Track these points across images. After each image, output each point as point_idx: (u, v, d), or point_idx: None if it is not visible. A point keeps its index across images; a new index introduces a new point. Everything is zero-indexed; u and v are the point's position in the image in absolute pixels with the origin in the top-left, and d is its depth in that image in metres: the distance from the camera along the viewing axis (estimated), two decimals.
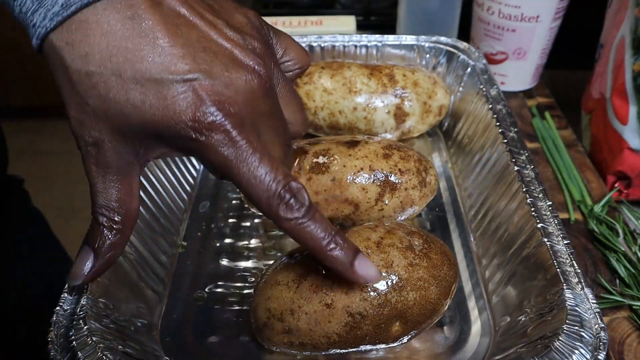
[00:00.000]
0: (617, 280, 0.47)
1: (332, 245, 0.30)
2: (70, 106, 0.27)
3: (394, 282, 0.36)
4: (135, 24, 0.26)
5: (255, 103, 0.29)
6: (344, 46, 0.63)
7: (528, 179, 0.44)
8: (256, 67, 0.29)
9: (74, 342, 0.32)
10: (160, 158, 0.31)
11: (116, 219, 0.30)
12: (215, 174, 0.36)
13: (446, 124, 0.63)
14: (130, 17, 0.26)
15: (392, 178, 0.45)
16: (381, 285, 0.35)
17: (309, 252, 0.32)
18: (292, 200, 0.29)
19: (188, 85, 0.26)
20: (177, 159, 0.54)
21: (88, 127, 0.28)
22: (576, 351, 0.32)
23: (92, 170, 0.29)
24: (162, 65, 0.26)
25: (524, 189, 0.43)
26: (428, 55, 0.63)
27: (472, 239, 0.50)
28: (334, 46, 0.63)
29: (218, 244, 0.50)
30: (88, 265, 0.31)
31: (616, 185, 0.58)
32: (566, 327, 0.33)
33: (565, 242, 0.39)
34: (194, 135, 0.27)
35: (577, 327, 0.33)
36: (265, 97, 0.29)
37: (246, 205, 0.50)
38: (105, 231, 0.30)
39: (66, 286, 0.36)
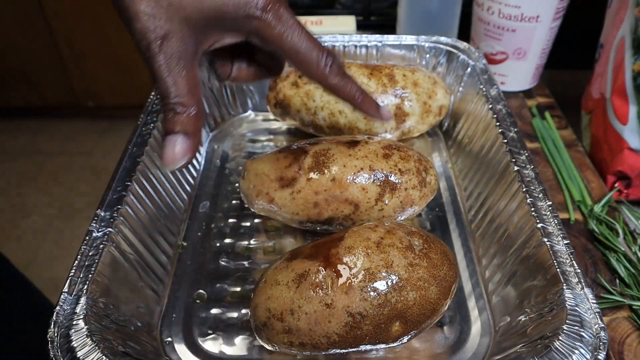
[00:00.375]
0: (617, 280, 0.47)
1: (363, 96, 0.40)
2: (143, 2, 0.31)
3: (394, 282, 0.36)
4: None
5: None
6: (344, 46, 0.63)
7: (528, 179, 0.44)
8: None
9: (74, 342, 0.32)
10: (213, 48, 0.36)
11: (191, 104, 0.34)
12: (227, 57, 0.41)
13: (446, 124, 0.63)
14: None
15: (392, 178, 0.45)
16: (381, 285, 0.36)
17: (348, 101, 0.40)
18: (334, 64, 0.37)
19: None
20: None
21: (161, 19, 0.31)
22: (576, 351, 0.32)
23: (161, 65, 0.32)
24: None
25: (524, 189, 0.43)
26: (428, 55, 0.63)
27: (472, 239, 0.50)
28: (334, 46, 0.63)
29: (218, 244, 0.50)
30: (181, 148, 0.34)
31: (616, 185, 0.57)
32: (566, 327, 0.33)
33: (565, 242, 0.39)
34: (258, 14, 0.33)
35: (577, 327, 0.33)
36: None
37: (246, 205, 0.50)
38: (185, 118, 0.34)
39: (65, 287, 0.36)
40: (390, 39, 0.63)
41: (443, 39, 0.63)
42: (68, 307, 0.34)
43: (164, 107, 0.34)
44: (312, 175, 0.45)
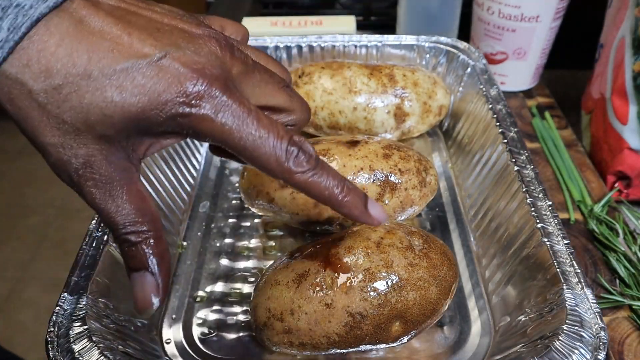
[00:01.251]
0: (617, 280, 0.47)
1: (345, 192, 0.30)
2: (46, 134, 0.25)
3: (394, 282, 0.36)
4: (85, 25, 0.25)
5: (227, 66, 0.28)
6: (344, 46, 0.63)
7: (528, 179, 0.44)
8: (210, 34, 0.28)
9: (74, 342, 0.32)
10: (151, 153, 0.30)
11: (145, 229, 0.28)
12: (216, 152, 0.35)
13: (446, 124, 0.63)
14: (79, 21, 0.24)
15: (392, 178, 0.45)
16: (381, 285, 0.35)
17: (324, 202, 0.30)
18: (300, 154, 0.28)
19: (161, 64, 0.25)
20: (177, 159, 0.54)
21: (72, 147, 0.26)
22: (576, 351, 0.32)
23: (95, 195, 0.27)
24: (128, 53, 0.25)
25: (524, 189, 0.43)
26: (428, 55, 0.63)
27: (472, 239, 0.50)
28: (334, 46, 0.63)
29: (218, 244, 0.50)
30: (152, 288, 0.28)
31: (616, 185, 0.57)
32: (566, 327, 0.33)
33: (565, 242, 0.39)
34: (186, 110, 0.25)
35: (577, 327, 0.33)
36: (233, 59, 0.28)
37: (246, 205, 0.50)
38: (144, 247, 0.28)
39: (65, 287, 0.36)
40: (390, 39, 0.63)
41: (443, 39, 0.63)
42: (68, 307, 0.34)
43: (116, 240, 0.28)
44: None
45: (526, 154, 0.47)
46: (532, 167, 0.46)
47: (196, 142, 0.60)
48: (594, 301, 0.35)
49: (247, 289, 0.46)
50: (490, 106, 0.53)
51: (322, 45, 0.63)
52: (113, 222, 0.27)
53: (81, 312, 0.34)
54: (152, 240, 0.28)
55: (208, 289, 0.46)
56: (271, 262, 0.47)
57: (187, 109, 0.25)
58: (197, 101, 0.25)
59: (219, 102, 0.26)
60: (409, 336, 0.38)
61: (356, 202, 0.30)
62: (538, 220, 0.41)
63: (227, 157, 0.35)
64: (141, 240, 0.28)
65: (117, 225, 0.27)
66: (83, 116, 0.25)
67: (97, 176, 0.26)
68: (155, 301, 0.28)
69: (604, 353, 0.32)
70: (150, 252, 0.28)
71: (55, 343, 0.33)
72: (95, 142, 0.26)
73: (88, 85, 0.24)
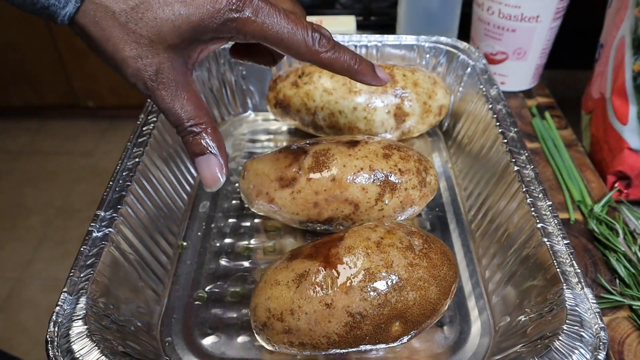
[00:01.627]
0: (617, 280, 0.47)
1: (358, 62, 0.37)
2: (126, 49, 0.31)
3: (394, 282, 0.36)
4: None
5: None
6: None
7: (528, 179, 0.44)
8: None
9: (74, 342, 0.32)
10: (201, 59, 0.37)
11: (203, 121, 0.34)
12: (237, 55, 0.42)
13: (446, 124, 0.63)
14: None
15: (392, 178, 0.45)
16: (381, 285, 0.35)
17: (344, 74, 0.37)
18: (322, 38, 0.35)
19: None
20: (177, 159, 0.54)
21: (147, 57, 0.32)
22: (576, 351, 0.32)
23: (165, 97, 0.33)
24: None
25: (524, 189, 0.43)
26: (428, 55, 0.63)
27: (472, 239, 0.50)
28: None
29: (218, 244, 0.50)
30: (216, 166, 0.35)
31: (616, 185, 0.57)
32: (566, 327, 0.33)
33: (565, 242, 0.39)
34: (234, 16, 0.32)
35: (577, 327, 0.33)
36: None
37: (246, 205, 0.50)
38: (205, 135, 0.34)
39: (65, 287, 0.36)
40: (390, 39, 0.63)
41: (443, 39, 0.63)
42: (68, 307, 0.34)
43: (181, 133, 0.35)
44: (312, 175, 0.45)
45: (526, 154, 0.47)
46: (532, 167, 0.46)
47: None
48: (594, 301, 0.35)
49: (247, 289, 0.46)
50: (490, 106, 0.53)
51: None
52: (179, 118, 0.34)
53: (81, 312, 0.34)
54: (209, 130, 0.35)
55: (208, 289, 0.46)
56: (271, 262, 0.47)
57: (235, 14, 0.32)
58: (241, 7, 0.32)
59: (256, 6, 0.33)
60: (409, 336, 0.38)
61: (367, 69, 0.38)
62: (538, 220, 0.41)
63: (246, 60, 0.42)
64: (202, 130, 0.34)
65: (182, 120, 0.34)
66: (157, 29, 0.31)
67: (165, 80, 0.33)
68: (221, 176, 0.35)
69: (604, 353, 0.32)
70: (210, 138, 0.35)
71: (55, 343, 0.33)
72: (165, 51, 0.32)
73: (158, 2, 0.31)
